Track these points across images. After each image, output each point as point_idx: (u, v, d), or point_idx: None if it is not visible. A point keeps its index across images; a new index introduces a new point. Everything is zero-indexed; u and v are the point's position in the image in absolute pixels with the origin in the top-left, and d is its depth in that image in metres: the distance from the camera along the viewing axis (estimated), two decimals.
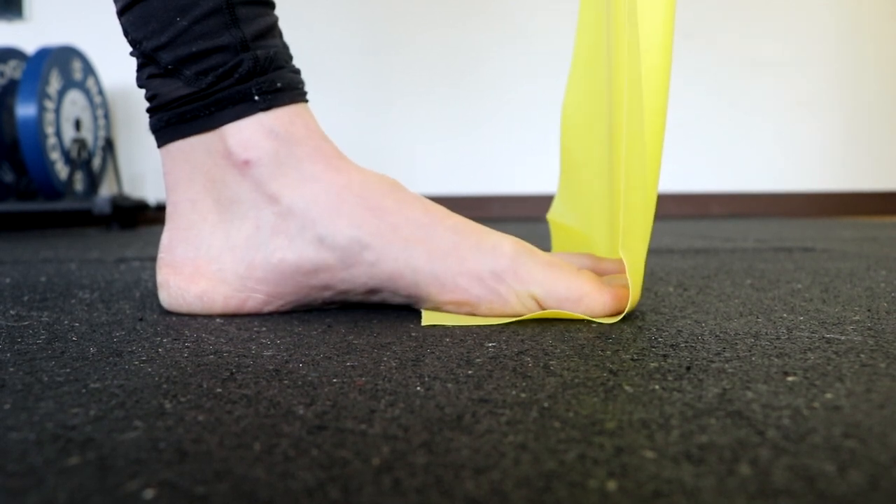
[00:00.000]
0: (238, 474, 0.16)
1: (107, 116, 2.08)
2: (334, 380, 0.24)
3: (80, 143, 1.89)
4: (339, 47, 2.32)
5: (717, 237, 1.06)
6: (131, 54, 0.38)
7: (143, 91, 0.38)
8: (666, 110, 0.31)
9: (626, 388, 0.22)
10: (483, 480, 0.15)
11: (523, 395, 0.22)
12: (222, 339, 0.31)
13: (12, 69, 1.86)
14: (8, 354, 0.28)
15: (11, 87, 1.83)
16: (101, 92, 2.05)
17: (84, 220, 1.97)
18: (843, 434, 0.18)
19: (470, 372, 0.25)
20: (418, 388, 0.23)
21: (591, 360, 0.26)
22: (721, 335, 0.30)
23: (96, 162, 2.03)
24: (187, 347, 0.30)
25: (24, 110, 1.71)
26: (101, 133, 2.05)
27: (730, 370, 0.24)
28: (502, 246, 0.35)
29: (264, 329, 0.34)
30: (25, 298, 0.45)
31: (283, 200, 0.36)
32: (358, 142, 2.27)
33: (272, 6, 0.38)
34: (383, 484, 0.15)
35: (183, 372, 0.25)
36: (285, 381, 0.24)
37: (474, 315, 0.35)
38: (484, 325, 0.33)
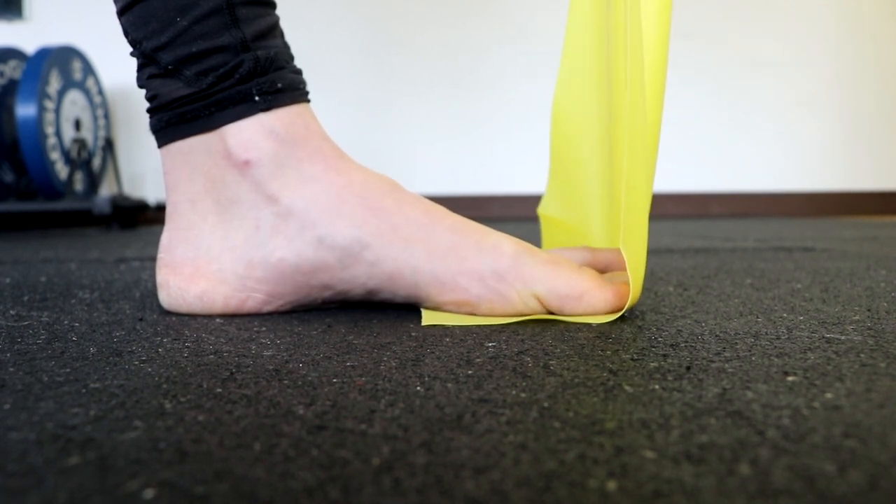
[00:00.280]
0: (238, 474, 0.16)
1: (107, 116, 2.08)
2: (334, 380, 0.24)
3: (80, 143, 1.89)
4: (339, 47, 2.32)
5: (717, 237, 1.06)
6: (131, 54, 0.38)
7: (143, 91, 0.38)
8: (662, 108, 0.31)
9: (626, 387, 0.22)
10: (483, 480, 0.15)
11: (523, 395, 0.22)
12: (222, 339, 0.31)
13: (12, 69, 1.86)
14: (8, 354, 0.28)
15: (11, 87, 1.83)
16: (101, 92, 2.05)
17: (84, 220, 1.97)
18: (843, 434, 0.18)
19: (470, 372, 0.25)
20: (418, 388, 0.23)
21: (591, 360, 0.26)
22: (721, 335, 0.30)
23: (96, 162, 2.03)
24: (187, 347, 0.30)
25: (24, 110, 1.71)
26: (101, 133, 2.05)
27: (730, 370, 0.24)
28: (503, 245, 0.35)
29: (264, 329, 0.34)
30: (25, 298, 0.45)
31: (282, 201, 0.36)
32: (358, 142, 2.27)
33: (273, 6, 0.38)
34: (383, 484, 0.15)
35: (183, 372, 0.25)
36: (285, 381, 0.24)
37: (475, 315, 0.35)
38: (484, 325, 0.33)
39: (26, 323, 0.36)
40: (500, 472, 0.16)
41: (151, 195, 2.26)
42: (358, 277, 0.36)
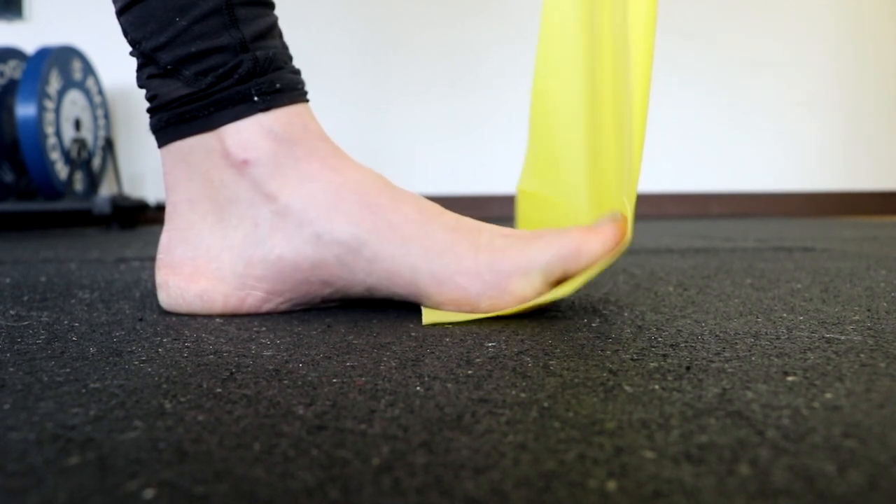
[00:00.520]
0: (238, 474, 0.16)
1: (107, 116, 2.08)
2: (334, 380, 0.24)
3: (80, 143, 1.89)
4: (337, 47, 2.32)
5: (717, 237, 1.06)
6: (131, 54, 0.38)
7: (143, 91, 0.39)
8: (653, 56, 0.32)
9: (626, 388, 0.22)
10: (483, 480, 0.15)
11: (523, 395, 0.22)
12: (222, 339, 0.31)
13: (12, 69, 1.86)
14: (8, 354, 0.28)
15: (11, 87, 1.83)
16: (101, 92, 2.04)
17: (84, 220, 1.97)
18: (842, 434, 0.18)
19: (470, 372, 0.25)
20: (418, 388, 0.23)
21: (591, 360, 0.26)
22: (721, 335, 0.30)
23: (96, 162, 2.03)
24: (187, 347, 0.30)
25: (24, 110, 1.70)
26: (101, 133, 2.05)
27: (730, 370, 0.24)
28: (495, 241, 0.35)
29: (264, 329, 0.34)
30: (25, 298, 0.45)
31: (280, 199, 0.36)
32: (357, 142, 2.27)
33: (272, 6, 0.38)
34: (383, 484, 0.15)
35: (183, 372, 0.25)
36: (285, 381, 0.24)
37: (475, 314, 0.35)
38: (484, 325, 0.33)
39: (26, 323, 0.36)
40: (499, 472, 0.16)
41: (151, 195, 2.26)
42: (357, 274, 0.36)
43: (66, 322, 0.36)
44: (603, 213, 0.39)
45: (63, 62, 1.83)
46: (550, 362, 0.26)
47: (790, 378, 0.23)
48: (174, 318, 0.37)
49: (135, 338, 0.32)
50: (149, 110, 0.39)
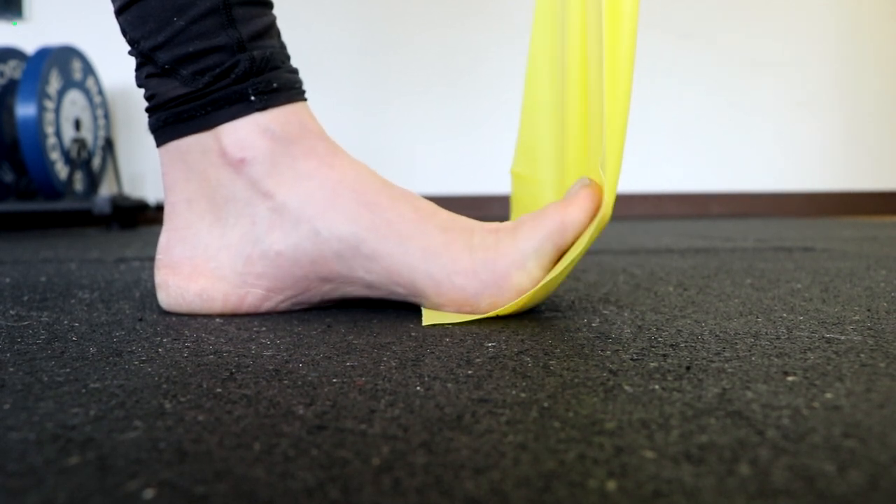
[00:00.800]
0: (238, 474, 0.16)
1: (107, 116, 2.08)
2: (334, 380, 0.24)
3: (80, 142, 1.89)
4: (337, 47, 2.32)
5: (717, 237, 1.06)
6: (130, 53, 0.38)
7: (142, 91, 0.39)
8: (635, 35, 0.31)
9: (626, 388, 0.22)
10: (483, 480, 0.15)
11: (523, 395, 0.22)
12: (222, 339, 0.31)
13: (12, 69, 1.86)
14: (8, 354, 0.28)
15: (11, 87, 1.83)
16: (101, 92, 2.04)
17: (84, 220, 1.97)
18: (842, 434, 0.18)
19: (470, 372, 0.25)
20: (418, 388, 0.23)
21: (591, 360, 0.26)
22: (721, 335, 0.30)
23: (96, 162, 2.03)
24: (187, 347, 0.30)
25: (24, 110, 1.70)
26: (101, 133, 2.05)
27: (730, 370, 0.24)
28: (487, 239, 0.35)
29: (264, 329, 0.34)
30: (25, 298, 0.45)
31: (277, 197, 0.36)
32: (357, 142, 2.27)
33: (270, 6, 0.38)
34: (383, 484, 0.15)
35: (183, 372, 0.25)
36: (285, 381, 0.24)
37: (476, 314, 0.35)
38: (484, 325, 0.33)
39: (26, 323, 0.36)
40: (499, 472, 0.16)
41: (151, 195, 2.26)
42: (356, 271, 0.36)
43: (66, 322, 0.36)
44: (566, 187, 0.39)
45: (63, 62, 1.83)
46: (550, 362, 0.26)
47: (790, 378, 0.23)
48: (174, 318, 0.37)
49: (135, 338, 0.32)
50: (147, 110, 0.39)
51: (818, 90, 2.41)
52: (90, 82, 1.99)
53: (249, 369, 0.26)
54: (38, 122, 1.71)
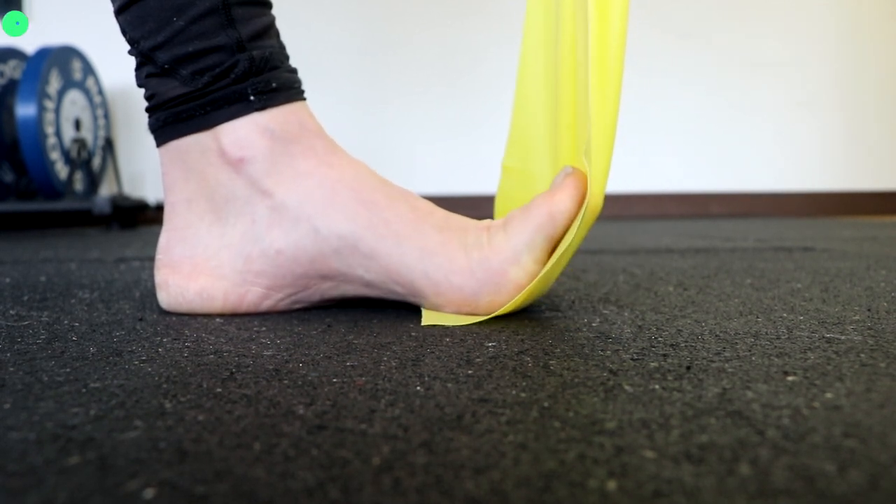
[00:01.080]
0: (238, 474, 0.16)
1: (107, 116, 2.08)
2: (334, 380, 0.24)
3: (80, 142, 1.89)
4: (336, 47, 2.32)
5: (717, 237, 1.06)
6: (129, 53, 0.38)
7: (143, 91, 0.39)
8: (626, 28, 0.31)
9: (626, 387, 0.22)
10: (483, 480, 0.15)
11: (523, 394, 0.22)
12: (222, 339, 0.31)
13: (12, 69, 1.86)
14: (8, 354, 0.28)
15: (11, 86, 1.83)
16: (101, 92, 2.04)
17: (84, 220, 1.97)
18: (843, 434, 0.18)
19: (470, 372, 0.25)
20: (418, 388, 0.23)
21: (591, 360, 0.26)
22: (721, 335, 0.30)
23: (96, 162, 2.03)
24: (187, 347, 0.30)
25: (24, 110, 1.70)
26: (101, 133, 2.05)
27: (730, 370, 0.24)
28: (481, 237, 0.35)
29: (264, 329, 0.34)
30: (25, 298, 0.45)
31: (276, 196, 0.36)
32: (357, 142, 2.27)
33: (269, 6, 0.39)
34: (383, 484, 0.15)
35: (183, 372, 0.25)
36: (285, 381, 0.24)
37: (476, 315, 0.35)
38: (484, 325, 0.33)
39: (26, 323, 0.36)
40: (500, 472, 0.16)
41: (151, 195, 2.26)
42: (355, 269, 0.36)
43: (66, 322, 0.36)
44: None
45: (63, 62, 1.83)
46: (550, 362, 0.26)
47: (790, 378, 0.23)
48: (174, 318, 0.37)
49: (135, 338, 0.32)
50: (147, 109, 0.39)
51: (818, 90, 2.41)
52: (90, 82, 1.99)
53: (249, 369, 0.26)
54: (38, 122, 1.71)
